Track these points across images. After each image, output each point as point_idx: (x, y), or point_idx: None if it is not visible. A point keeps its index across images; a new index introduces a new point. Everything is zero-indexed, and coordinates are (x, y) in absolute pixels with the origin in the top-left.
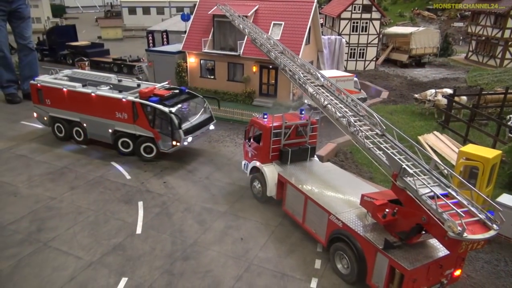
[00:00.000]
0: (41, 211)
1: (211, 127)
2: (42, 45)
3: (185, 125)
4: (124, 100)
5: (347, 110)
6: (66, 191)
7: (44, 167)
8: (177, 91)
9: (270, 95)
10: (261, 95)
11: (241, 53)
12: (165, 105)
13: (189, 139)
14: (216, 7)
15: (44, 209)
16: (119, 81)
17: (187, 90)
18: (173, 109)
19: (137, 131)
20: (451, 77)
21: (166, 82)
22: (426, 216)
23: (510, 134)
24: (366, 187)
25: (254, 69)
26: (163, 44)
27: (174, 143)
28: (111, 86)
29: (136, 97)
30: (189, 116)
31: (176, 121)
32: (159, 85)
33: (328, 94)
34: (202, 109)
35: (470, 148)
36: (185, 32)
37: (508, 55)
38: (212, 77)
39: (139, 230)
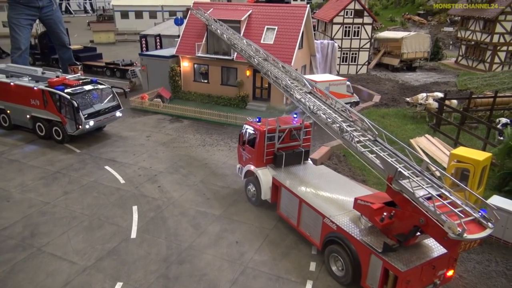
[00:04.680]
0: (35, 216)
1: (118, 114)
2: (34, 49)
3: (88, 111)
4: (35, 88)
5: (336, 115)
6: (59, 195)
7: (37, 172)
8: (86, 81)
9: (264, 99)
10: (254, 99)
11: (234, 57)
12: (69, 93)
13: (91, 123)
14: (192, 11)
15: (38, 214)
16: (43, 73)
17: (96, 81)
18: (74, 96)
19: (48, 116)
20: (441, 81)
21: (79, 74)
22: (424, 218)
23: (499, 137)
24: (359, 190)
25: (248, 73)
26: (156, 48)
27: (77, 126)
28: (30, 77)
29: (45, 86)
30: (94, 103)
31: (76, 106)
32: (70, 76)
33: (316, 100)
34: (109, 98)
35: (461, 151)
36: (178, 36)
37: (497, 60)
38: (206, 81)
39: (133, 235)
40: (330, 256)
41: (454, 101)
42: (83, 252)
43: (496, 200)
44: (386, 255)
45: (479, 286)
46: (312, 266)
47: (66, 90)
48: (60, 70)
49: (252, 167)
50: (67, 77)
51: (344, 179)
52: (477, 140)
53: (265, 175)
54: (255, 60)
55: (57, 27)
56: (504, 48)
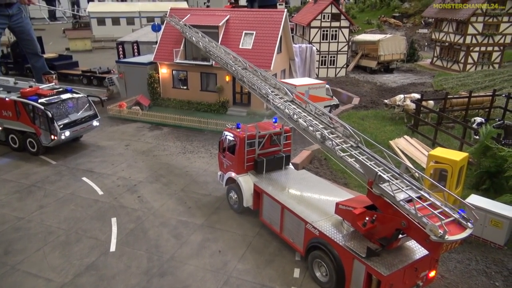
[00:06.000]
0: (8, 233)
1: (95, 123)
2: (6, 58)
3: (63, 121)
4: (7, 99)
5: (317, 122)
6: (34, 210)
7: (10, 185)
8: (61, 90)
9: (244, 104)
10: (235, 104)
11: (213, 63)
12: (43, 103)
13: (67, 133)
14: (166, 19)
15: (11, 230)
16: (15, 83)
17: (72, 90)
18: (48, 106)
19: (21, 127)
20: (418, 82)
21: (54, 83)
22: (405, 221)
23: (475, 136)
24: (341, 193)
25: (227, 78)
26: (134, 55)
27: (52, 137)
28: (2, 87)
29: (18, 96)
30: (70, 113)
31: (50, 116)
32: (44, 85)
33: (295, 107)
34: (85, 107)
35: (439, 152)
36: (156, 42)
37: (470, 60)
38: (185, 87)
39: (113, 248)
40: (313, 262)
41: (431, 102)
42: (59, 268)
43: (474, 199)
44: (369, 260)
45: (460, 286)
46: (296, 272)
47: (40, 100)
48: (34, 79)
49: (233, 174)
50: (40, 87)
51: (325, 183)
52: (454, 140)
53: (247, 182)
54: (233, 67)
55: (28, 34)
56: (477, 48)
